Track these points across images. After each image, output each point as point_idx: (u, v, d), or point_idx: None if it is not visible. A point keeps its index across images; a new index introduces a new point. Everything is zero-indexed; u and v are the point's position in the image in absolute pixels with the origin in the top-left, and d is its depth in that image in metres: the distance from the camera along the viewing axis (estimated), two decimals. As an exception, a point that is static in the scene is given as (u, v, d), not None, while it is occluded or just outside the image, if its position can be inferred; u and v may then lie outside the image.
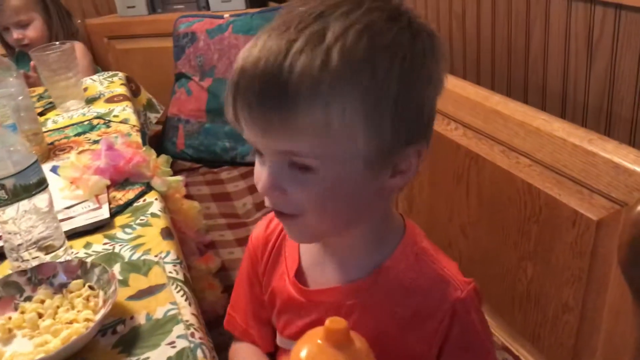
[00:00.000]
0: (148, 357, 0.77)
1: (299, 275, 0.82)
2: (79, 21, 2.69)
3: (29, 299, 0.88)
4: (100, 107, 1.72)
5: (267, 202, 0.70)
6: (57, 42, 1.74)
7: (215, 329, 1.06)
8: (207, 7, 2.63)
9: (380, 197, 0.71)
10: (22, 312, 0.85)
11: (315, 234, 0.74)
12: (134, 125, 1.56)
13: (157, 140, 2.51)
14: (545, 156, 1.11)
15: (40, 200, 0.93)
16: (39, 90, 1.94)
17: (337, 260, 0.78)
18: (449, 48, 1.65)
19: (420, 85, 0.66)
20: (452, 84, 1.39)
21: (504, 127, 1.20)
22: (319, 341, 0.60)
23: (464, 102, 1.33)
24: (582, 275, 1.07)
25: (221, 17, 2.45)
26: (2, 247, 0.97)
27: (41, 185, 0.93)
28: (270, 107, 0.61)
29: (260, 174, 0.68)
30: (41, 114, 1.73)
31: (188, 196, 1.71)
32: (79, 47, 2.33)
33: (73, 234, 1.06)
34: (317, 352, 0.60)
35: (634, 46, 1.08)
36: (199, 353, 0.77)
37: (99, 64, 2.61)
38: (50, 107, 1.77)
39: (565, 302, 1.12)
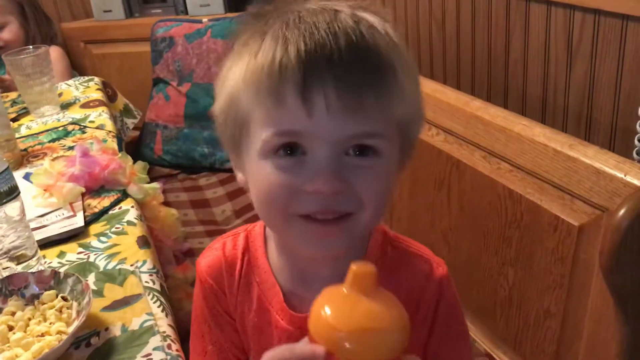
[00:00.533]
0: (123, 371, 0.74)
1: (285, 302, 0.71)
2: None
3: (-1, 311, 0.85)
4: (75, 113, 1.69)
5: (309, 207, 0.58)
6: (32, 47, 1.70)
7: (193, 339, 1.04)
8: (185, 12, 2.61)
9: None
10: (-8, 325, 0.82)
11: (358, 236, 0.64)
12: (110, 131, 1.53)
13: (134, 146, 2.47)
14: (527, 162, 1.10)
15: (11, 209, 0.91)
16: (13, 95, 1.90)
17: (322, 274, 0.68)
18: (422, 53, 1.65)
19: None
20: (432, 88, 1.38)
21: (484, 133, 1.20)
22: (344, 289, 0.54)
23: (444, 107, 1.32)
24: (563, 281, 1.06)
25: (199, 22, 2.42)
26: (-29, 257, 0.94)
27: (12, 193, 0.90)
28: (366, 75, 0.55)
29: (298, 170, 0.57)
30: (15, 119, 1.69)
31: (166, 203, 1.68)
32: (56, 51, 2.30)
33: (46, 243, 1.03)
34: (342, 298, 0.54)
35: (613, 51, 1.09)
36: (176, 366, 0.75)
37: (75, 68, 2.57)
38: (24, 112, 1.73)
39: (546, 308, 1.11)
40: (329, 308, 0.53)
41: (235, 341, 0.76)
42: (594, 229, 0.98)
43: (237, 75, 0.60)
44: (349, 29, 0.56)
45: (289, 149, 0.57)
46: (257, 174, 0.61)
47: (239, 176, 0.68)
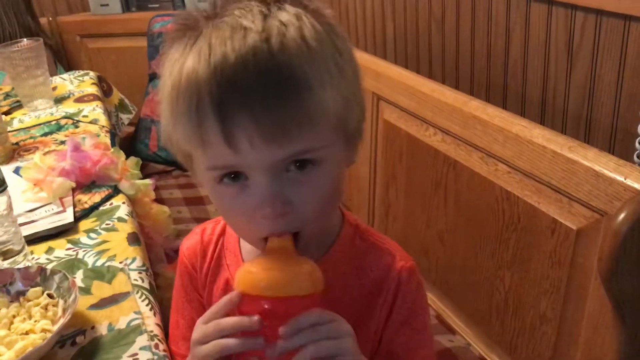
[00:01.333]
0: (108, 371, 0.72)
1: None
2: (50, 19, 2.62)
3: (-18, 307, 0.83)
4: (69, 107, 1.67)
5: (263, 231, 0.62)
6: (25, 39, 1.68)
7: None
8: (183, 6, 2.59)
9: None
10: (-25, 322, 0.80)
11: (310, 243, 0.67)
12: (104, 126, 1.51)
13: (129, 142, 2.45)
14: (525, 163, 1.09)
15: (-2, 203, 0.89)
16: (6, 88, 1.88)
17: None
18: (415, 48, 1.64)
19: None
20: (431, 88, 1.36)
21: (483, 133, 1.18)
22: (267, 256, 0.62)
23: (442, 107, 1.31)
24: (560, 286, 1.05)
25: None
26: (-44, 252, 0.92)
27: (-1, 187, 0.88)
28: (282, 101, 0.55)
29: (245, 198, 0.60)
30: (7, 112, 1.67)
31: (159, 200, 1.66)
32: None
33: (35, 239, 1.01)
34: (262, 259, 0.62)
35: (615, 52, 1.07)
36: (163, 366, 0.73)
37: (71, 62, 2.55)
38: (17, 105, 1.71)
39: (543, 312, 1.10)
40: (250, 264, 0.63)
41: None
42: (593, 233, 0.96)
43: (166, 110, 0.61)
44: (259, 53, 0.54)
45: (232, 174, 0.60)
46: (213, 197, 0.66)
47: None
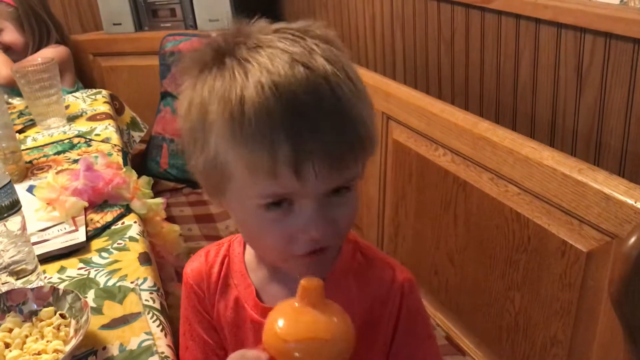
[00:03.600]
0: (119, 392, 0.73)
1: (258, 299, 0.78)
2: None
3: (-4, 327, 0.84)
4: (81, 125, 1.69)
5: (300, 250, 0.65)
6: (40, 59, 1.70)
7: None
8: (195, 26, 2.61)
9: None
10: (-12, 342, 0.80)
11: (330, 260, 0.74)
12: (116, 145, 1.53)
13: (140, 159, 2.47)
14: (535, 185, 1.09)
15: (12, 223, 0.90)
16: (20, 106, 1.90)
17: (293, 273, 0.72)
18: (433, 72, 1.64)
19: None
20: (440, 109, 1.37)
21: (492, 155, 1.19)
22: (295, 303, 0.60)
23: (452, 127, 1.31)
24: (571, 308, 1.04)
25: (208, 37, 2.42)
26: (-30, 271, 0.93)
27: (14, 207, 0.89)
28: (344, 135, 0.60)
29: (290, 220, 0.63)
30: (21, 131, 1.69)
31: (170, 217, 1.67)
32: (64, 51, 2.31)
33: (47, 258, 1.02)
34: (292, 311, 0.60)
35: (624, 75, 1.07)
36: (174, 388, 0.73)
37: (83, 81, 2.57)
38: (31, 124, 1.73)
39: (553, 334, 1.09)
40: (279, 320, 0.59)
41: (214, 338, 0.82)
42: (603, 255, 0.96)
43: (222, 136, 0.61)
44: (323, 91, 0.59)
45: (277, 202, 0.62)
46: (248, 221, 0.67)
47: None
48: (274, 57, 0.59)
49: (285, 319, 0.60)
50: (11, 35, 2.26)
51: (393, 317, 0.75)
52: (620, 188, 0.93)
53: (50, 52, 2.22)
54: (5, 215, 0.88)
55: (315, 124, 0.58)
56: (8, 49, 2.24)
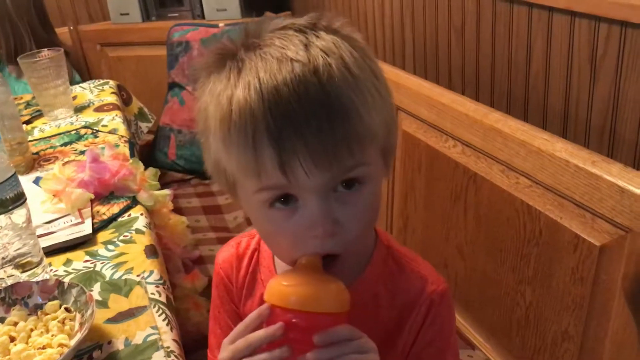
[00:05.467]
0: (125, 387, 0.72)
1: None
2: (71, 28, 2.65)
3: (1, 320, 0.83)
4: (89, 116, 1.68)
5: (311, 248, 0.63)
6: (46, 49, 1.70)
7: (200, 350, 1.02)
8: (202, 16, 2.60)
9: None
10: (-7, 335, 0.80)
11: (349, 263, 0.69)
12: (123, 136, 1.52)
13: (147, 150, 2.46)
14: (547, 177, 1.07)
15: (17, 216, 0.89)
16: (27, 97, 1.90)
17: None
18: (444, 61, 1.62)
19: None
20: (450, 99, 1.35)
21: (503, 146, 1.17)
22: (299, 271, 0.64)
23: (462, 118, 1.29)
24: (583, 303, 1.02)
25: (216, 26, 2.41)
26: (-24, 264, 0.93)
27: (18, 200, 0.88)
28: (333, 130, 0.57)
29: (297, 219, 0.62)
30: (28, 122, 1.68)
31: (178, 209, 1.67)
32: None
33: (53, 250, 1.02)
34: (292, 271, 0.64)
35: None
36: (179, 384, 0.72)
37: (90, 71, 2.57)
38: (38, 115, 1.73)
39: (565, 329, 1.08)
40: (280, 275, 0.65)
41: None
42: (617, 249, 0.94)
43: (216, 141, 0.62)
44: (310, 85, 0.57)
45: (282, 198, 0.62)
46: (258, 220, 0.67)
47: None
48: (266, 55, 0.59)
49: (286, 274, 0.65)
50: None
51: (416, 326, 0.74)
52: (635, 181, 0.91)
53: None
54: (10, 207, 0.87)
55: (299, 121, 0.57)
56: None
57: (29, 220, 0.91)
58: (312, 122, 0.57)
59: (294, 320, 0.60)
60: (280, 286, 0.62)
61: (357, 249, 0.68)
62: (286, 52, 0.58)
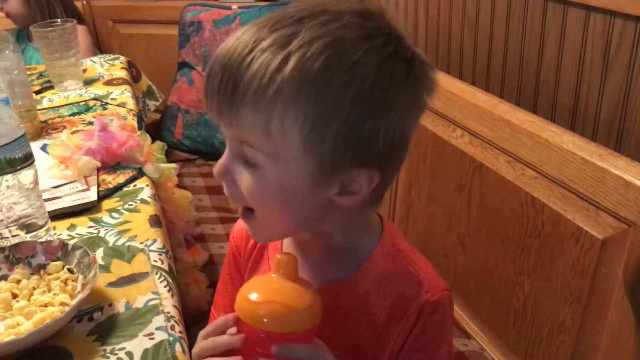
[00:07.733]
0: (124, 348, 0.73)
1: None
2: (84, 2, 2.65)
3: (4, 278, 0.84)
4: (98, 89, 1.68)
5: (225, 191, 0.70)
6: (59, 20, 1.70)
7: (199, 324, 1.02)
8: (216, -3, 2.59)
9: (334, 209, 0.67)
10: (-4, 292, 0.81)
11: (268, 233, 0.73)
12: (131, 110, 1.52)
13: (154, 129, 2.47)
14: (552, 169, 1.07)
15: (25, 176, 0.89)
16: (40, 67, 1.90)
17: (316, 261, 0.76)
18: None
19: (379, 112, 0.61)
20: (460, 89, 1.35)
21: (511, 137, 1.17)
22: (273, 275, 0.66)
23: (471, 108, 1.29)
24: (581, 295, 1.03)
25: (229, 8, 2.41)
26: (-19, 222, 0.93)
27: (27, 160, 0.89)
28: (222, 97, 0.62)
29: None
30: (38, 92, 1.69)
31: (182, 187, 1.67)
32: (78, 29, 2.30)
33: (58, 215, 1.02)
34: (265, 279, 0.66)
35: (652, 61, 1.05)
36: (178, 347, 0.73)
37: (101, 47, 2.57)
38: (48, 86, 1.73)
39: (561, 321, 1.08)
40: (251, 286, 0.66)
41: None
42: (619, 243, 0.95)
43: None
44: (245, 46, 0.61)
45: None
46: None
47: None
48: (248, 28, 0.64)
49: (257, 285, 0.66)
50: (14, 4, 2.25)
51: (404, 333, 0.73)
52: (641, 175, 0.91)
53: None
54: (18, 167, 0.87)
55: (216, 70, 0.62)
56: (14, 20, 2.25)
57: (36, 181, 0.92)
58: (218, 73, 0.62)
59: (262, 336, 0.63)
60: (250, 304, 0.64)
61: (284, 233, 0.74)
62: (261, 24, 0.62)
